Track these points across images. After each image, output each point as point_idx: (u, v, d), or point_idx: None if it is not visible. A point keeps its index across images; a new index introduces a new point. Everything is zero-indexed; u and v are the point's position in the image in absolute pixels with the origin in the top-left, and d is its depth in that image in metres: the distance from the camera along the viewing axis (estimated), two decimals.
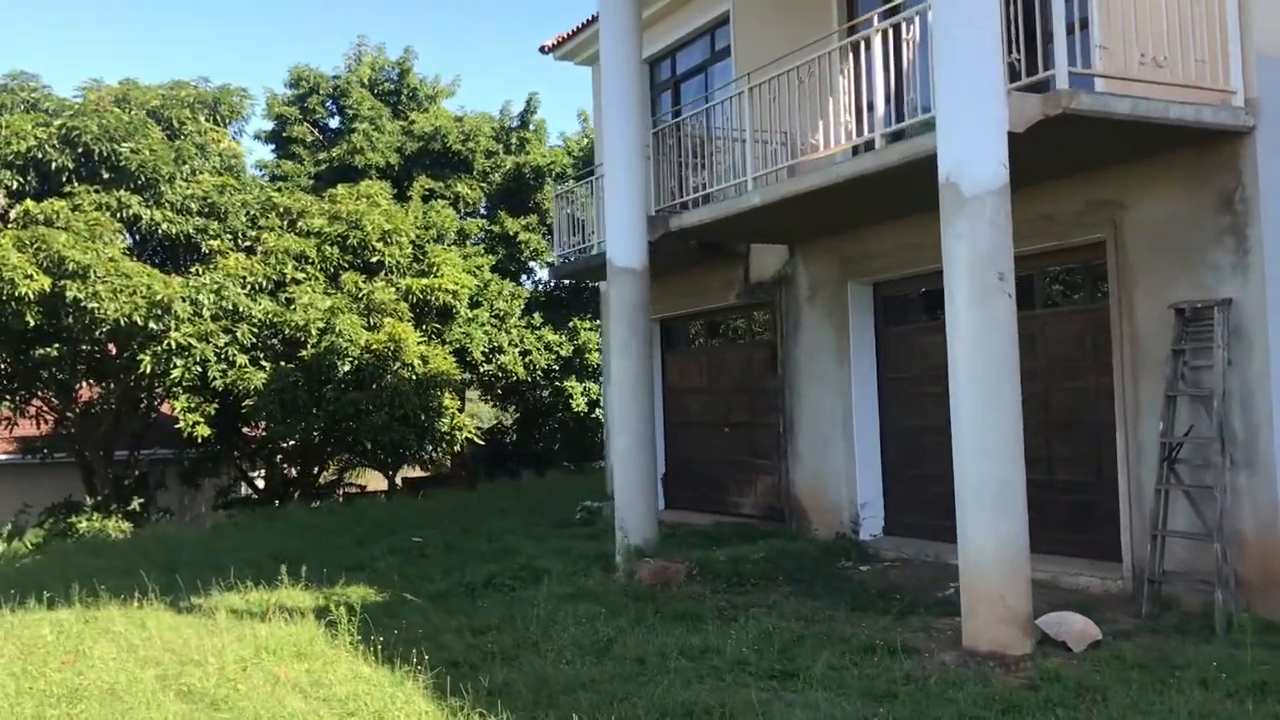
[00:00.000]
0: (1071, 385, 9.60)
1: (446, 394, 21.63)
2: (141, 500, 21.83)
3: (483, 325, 23.07)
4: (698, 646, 7.70)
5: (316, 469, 24.60)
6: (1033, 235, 9.34)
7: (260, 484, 24.86)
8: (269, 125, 26.01)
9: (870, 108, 8.88)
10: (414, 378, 20.92)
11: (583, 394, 24.52)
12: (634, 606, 9.36)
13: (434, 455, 22.63)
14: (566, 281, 25.99)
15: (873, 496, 11.53)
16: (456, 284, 21.55)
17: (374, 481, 27.71)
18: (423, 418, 21.06)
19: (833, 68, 9.27)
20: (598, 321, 24.96)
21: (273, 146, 26.00)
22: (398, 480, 26.32)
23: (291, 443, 23.15)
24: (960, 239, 6.92)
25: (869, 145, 9.18)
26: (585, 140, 25.67)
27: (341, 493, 25.75)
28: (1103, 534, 9.22)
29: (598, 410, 24.94)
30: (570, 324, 24.47)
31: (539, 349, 23.85)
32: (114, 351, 19.85)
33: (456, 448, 22.94)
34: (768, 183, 10.11)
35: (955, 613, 8.48)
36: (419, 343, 20.99)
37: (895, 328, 11.58)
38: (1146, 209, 8.47)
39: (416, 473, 28.90)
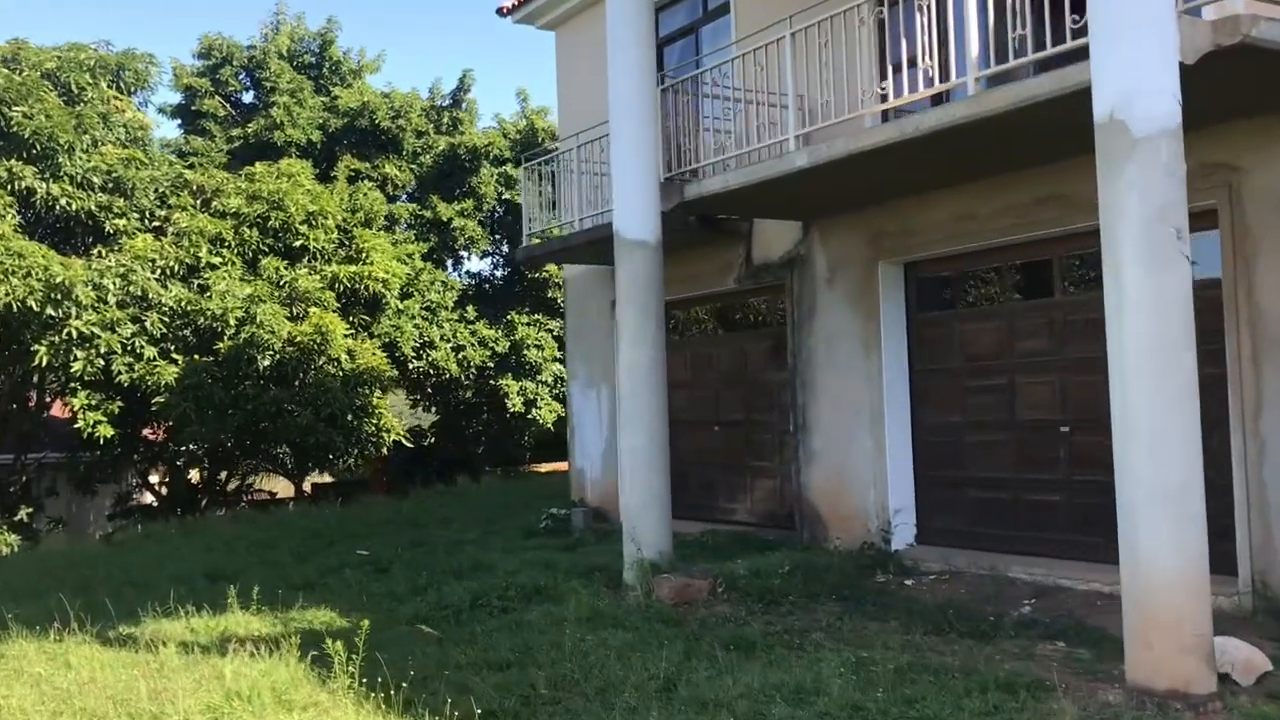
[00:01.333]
0: None
1: (375, 392, 19.86)
2: (29, 510, 19.52)
3: (413, 318, 21.32)
4: (788, 685, 6.32)
5: (225, 474, 22.51)
6: None
7: (162, 490, 22.65)
8: (176, 99, 23.81)
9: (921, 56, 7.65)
10: (340, 374, 19.11)
11: (519, 394, 22.91)
12: (668, 632, 7.99)
13: (359, 459, 20.78)
14: (501, 273, 24.45)
15: (905, 502, 10.31)
16: (387, 272, 19.80)
17: (279, 488, 25.62)
18: (350, 418, 19.24)
19: (907, 3, 7.99)
20: (537, 316, 23.43)
21: (179, 121, 23.80)
22: (305, 487, 24.36)
23: (195, 446, 21.11)
24: (1131, 188, 5.69)
25: (936, 100, 7.98)
26: (525, 122, 24.08)
27: (248, 500, 23.68)
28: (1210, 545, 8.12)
29: (534, 411, 23.39)
30: (507, 318, 22.84)
31: (473, 345, 22.18)
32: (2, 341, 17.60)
33: (383, 451, 21.13)
34: (806, 141, 8.81)
35: (1051, 636, 7.44)
36: (346, 335, 19.17)
37: (929, 313, 10.38)
38: (1272, 170, 7.40)
39: (325, 479, 26.89)
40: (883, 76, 8.21)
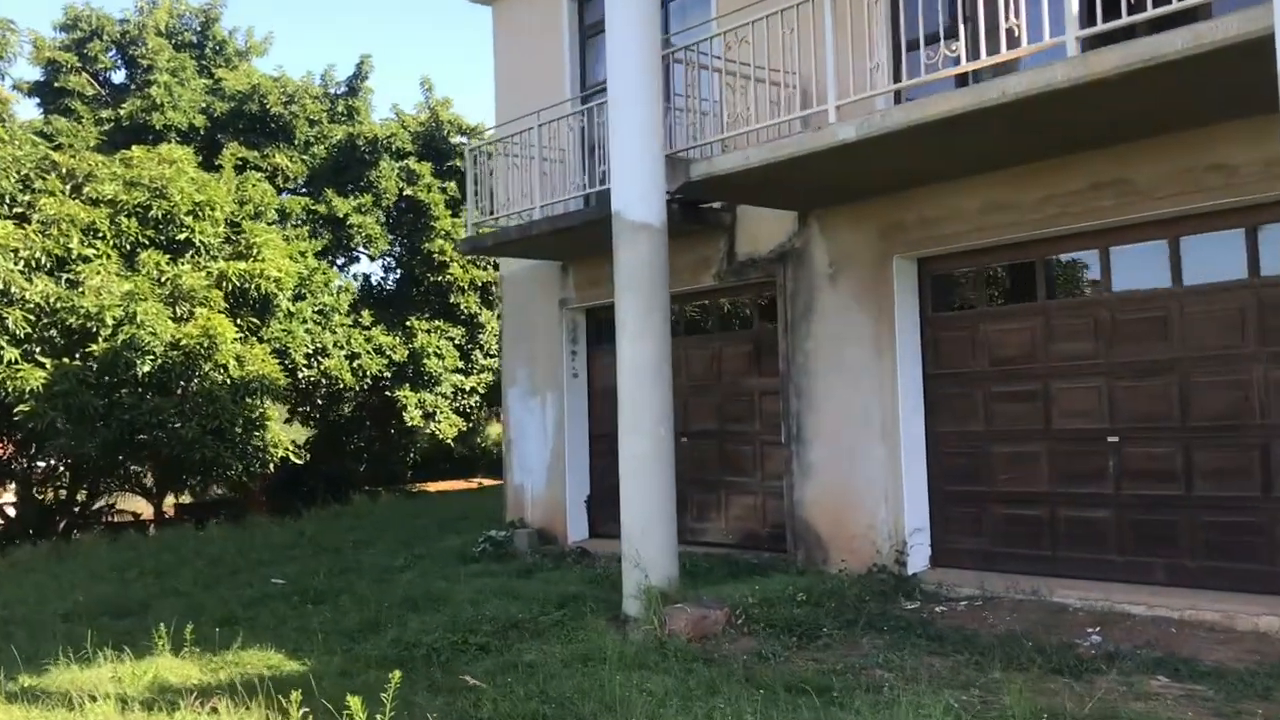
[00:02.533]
0: (1223, 378, 7.78)
1: (265, 403, 18.04)
2: None
3: (304, 322, 19.53)
4: None
5: (86, 492, 20.22)
6: (1197, 189, 7.52)
7: (11, 512, 20.21)
8: (35, 74, 21.40)
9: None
10: (229, 381, 17.25)
11: (418, 406, 21.29)
12: (708, 672, 6.90)
13: (243, 476, 18.86)
14: (395, 275, 22.84)
15: (920, 520, 9.38)
16: (281, 271, 18.02)
17: (138, 508, 23.23)
18: (239, 431, 17.40)
19: None
20: (437, 323, 21.88)
21: (38, 100, 21.35)
22: (165, 507, 22.15)
23: (56, 461, 18.88)
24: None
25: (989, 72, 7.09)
26: (429, 113, 22.50)
27: (107, 522, 21.37)
28: (1276, 562, 7.44)
29: (433, 425, 21.82)
30: (406, 324, 21.21)
31: (369, 353, 20.48)
32: None
33: (269, 468, 19.25)
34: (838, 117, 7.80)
35: (1147, 669, 6.55)
36: (234, 340, 17.33)
37: (945, 313, 9.52)
38: None
39: (186, 499, 24.58)
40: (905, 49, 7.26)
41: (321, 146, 21.33)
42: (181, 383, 16.75)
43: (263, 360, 17.82)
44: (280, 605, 10.08)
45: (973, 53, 7.05)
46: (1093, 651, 7.05)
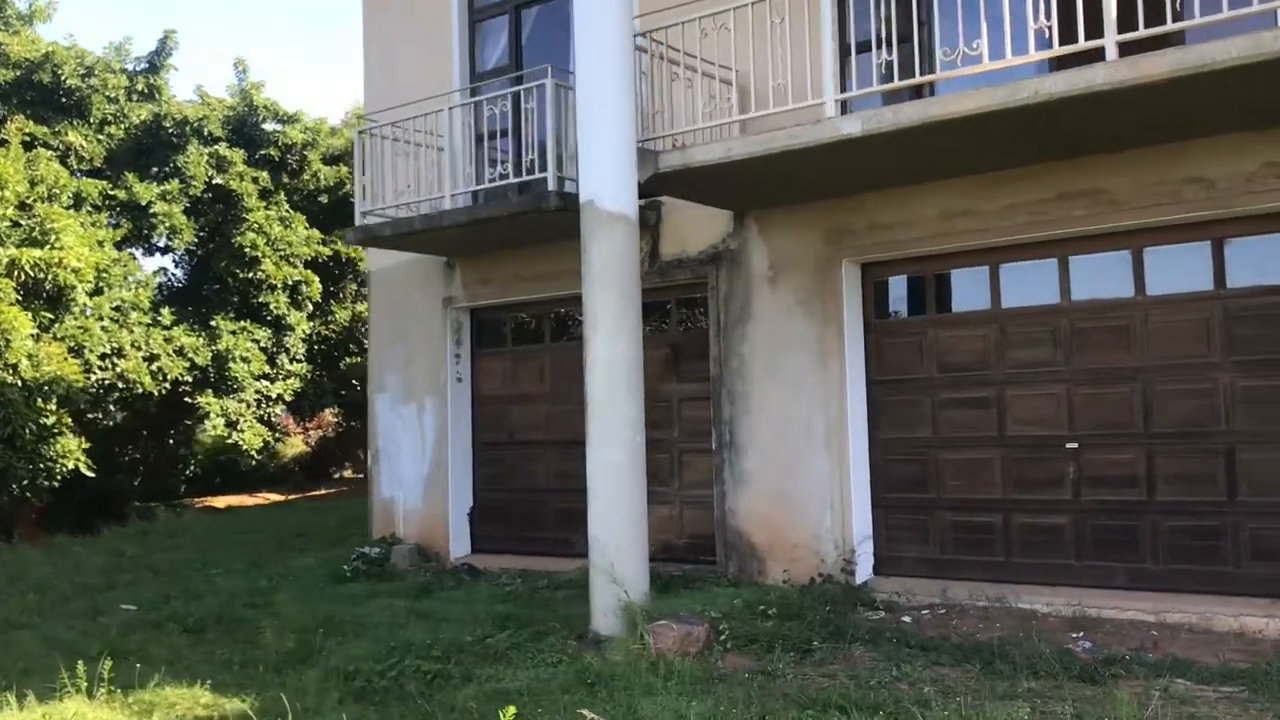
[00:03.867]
0: (1187, 386, 8.03)
1: (55, 407, 16.04)
2: None
3: (101, 319, 17.54)
4: None
5: None
6: (1173, 201, 7.73)
7: None
8: None
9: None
10: (19, 383, 15.22)
11: (220, 414, 19.52)
12: (728, 693, 6.47)
13: (27, 492, 16.68)
14: (200, 270, 20.95)
15: (865, 529, 9.24)
16: (81, 261, 16.10)
17: None
18: (30, 438, 15.38)
19: None
20: (243, 323, 20.19)
21: None
22: None
23: None
24: None
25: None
26: (241, 96, 20.74)
27: None
28: (1242, 564, 7.72)
29: (237, 435, 20.09)
30: (211, 324, 19.42)
31: (170, 354, 18.60)
32: None
33: (55, 481, 17.11)
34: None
35: (1157, 673, 6.61)
36: (28, 335, 15.35)
37: (889, 320, 9.46)
38: None
39: None
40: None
41: (119, 127, 19.26)
42: None
43: (62, 361, 15.84)
44: (162, 635, 8.85)
45: (996, 52, 6.92)
46: (1091, 656, 7.06)
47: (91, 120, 18.93)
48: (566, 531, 11.37)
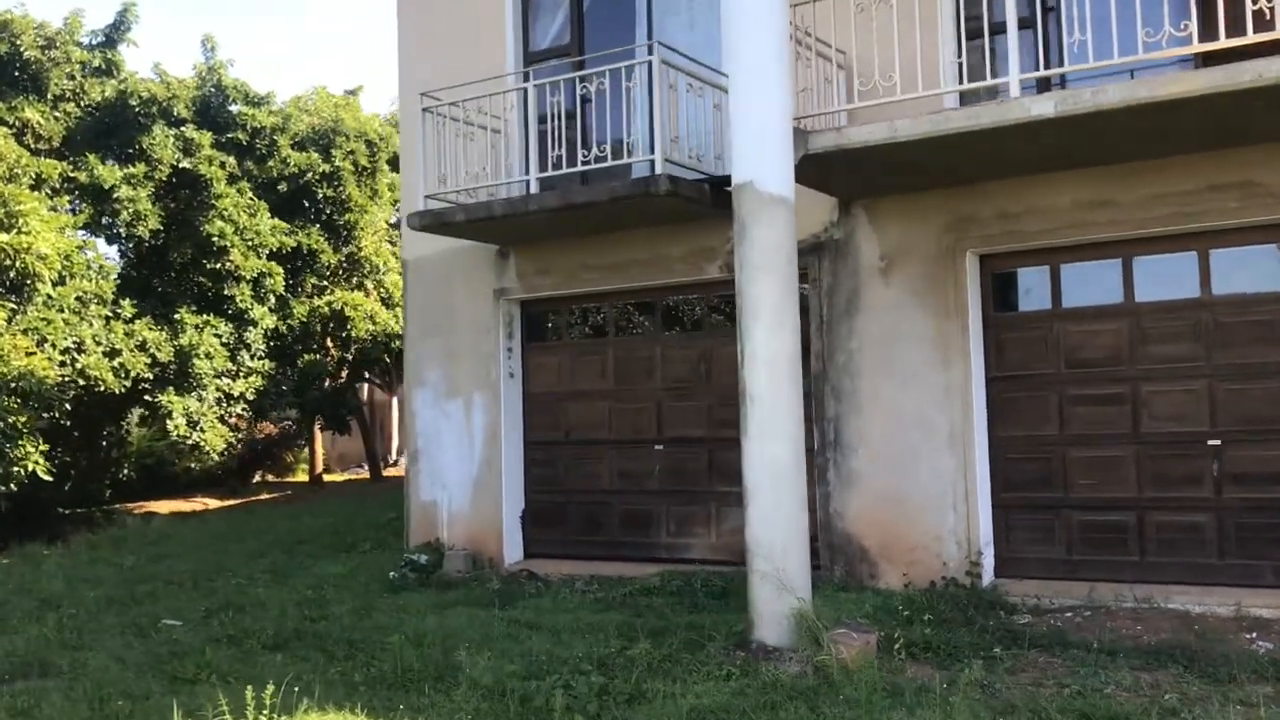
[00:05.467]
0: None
1: (28, 407, 14.80)
2: None
3: (62, 311, 16.23)
4: None
5: None
6: None
7: None
8: None
9: None
10: None
11: (184, 414, 18.28)
12: (957, 708, 5.97)
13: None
14: (163, 258, 19.62)
15: (989, 530, 8.94)
16: (50, 247, 14.87)
17: None
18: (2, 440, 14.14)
19: None
20: (207, 317, 18.98)
21: None
22: None
23: None
24: None
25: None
26: (210, 75, 19.44)
27: None
28: None
29: (198, 435, 18.85)
30: (174, 317, 18.16)
31: (130, 349, 17.33)
32: None
33: (12, 486, 15.79)
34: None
35: None
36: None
37: (1012, 313, 9.16)
38: None
39: None
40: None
41: (75, 104, 17.88)
42: None
43: (35, 356, 14.60)
44: (247, 654, 8.03)
45: (1206, 34, 6.67)
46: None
47: (48, 97, 17.53)
48: (634, 535, 10.85)
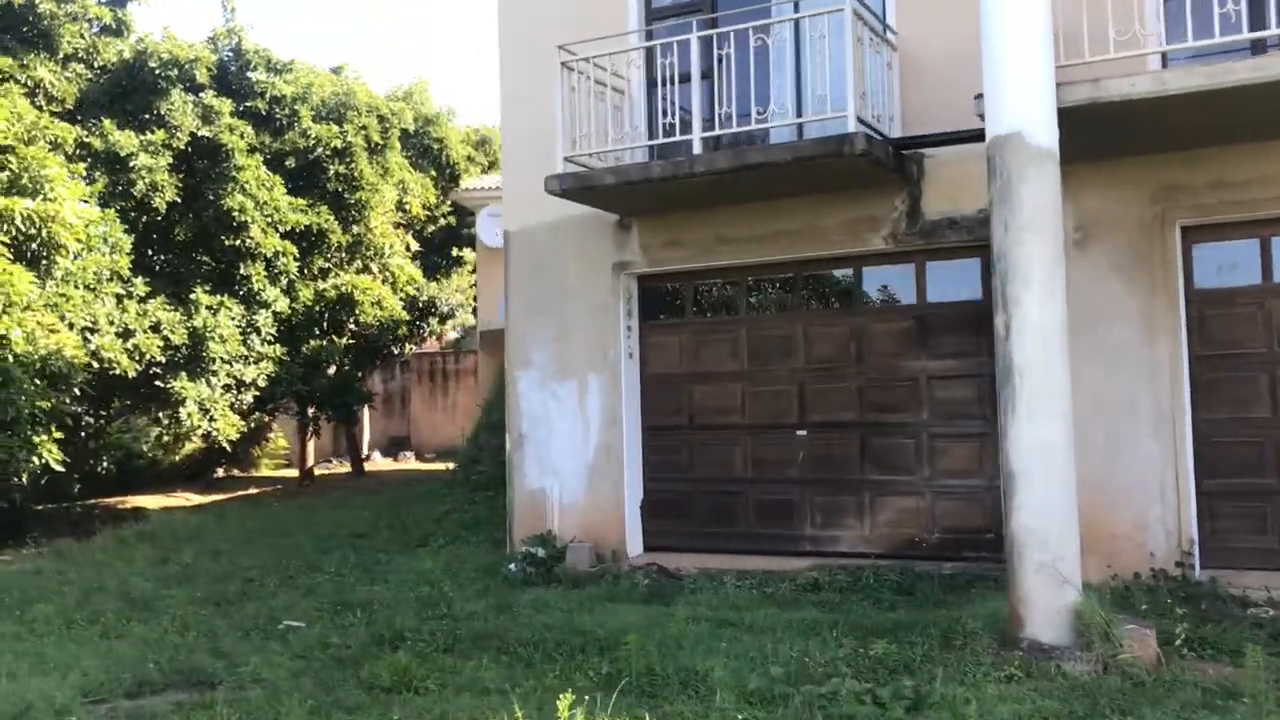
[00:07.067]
0: None
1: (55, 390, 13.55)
2: None
3: (78, 287, 14.93)
4: None
5: None
6: None
7: None
8: None
9: None
10: (11, 358, 12.72)
11: (197, 401, 17.02)
12: None
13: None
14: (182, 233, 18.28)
15: (1193, 518, 8.40)
16: (80, 216, 13.65)
17: None
18: (28, 426, 12.90)
19: None
20: (219, 298, 17.73)
21: None
22: None
23: None
24: None
25: None
26: (231, 39, 18.16)
27: None
28: None
29: (209, 424, 17.62)
30: (189, 297, 16.90)
31: (144, 330, 16.07)
32: None
33: (23, 478, 14.44)
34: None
35: None
36: (32, 301, 12.89)
37: (1217, 288, 8.59)
38: None
39: None
40: None
41: (85, 65, 16.53)
42: None
43: (53, 333, 13.36)
44: (417, 657, 7.11)
45: None
46: None
47: (59, 55, 16.17)
48: (773, 526, 10.14)
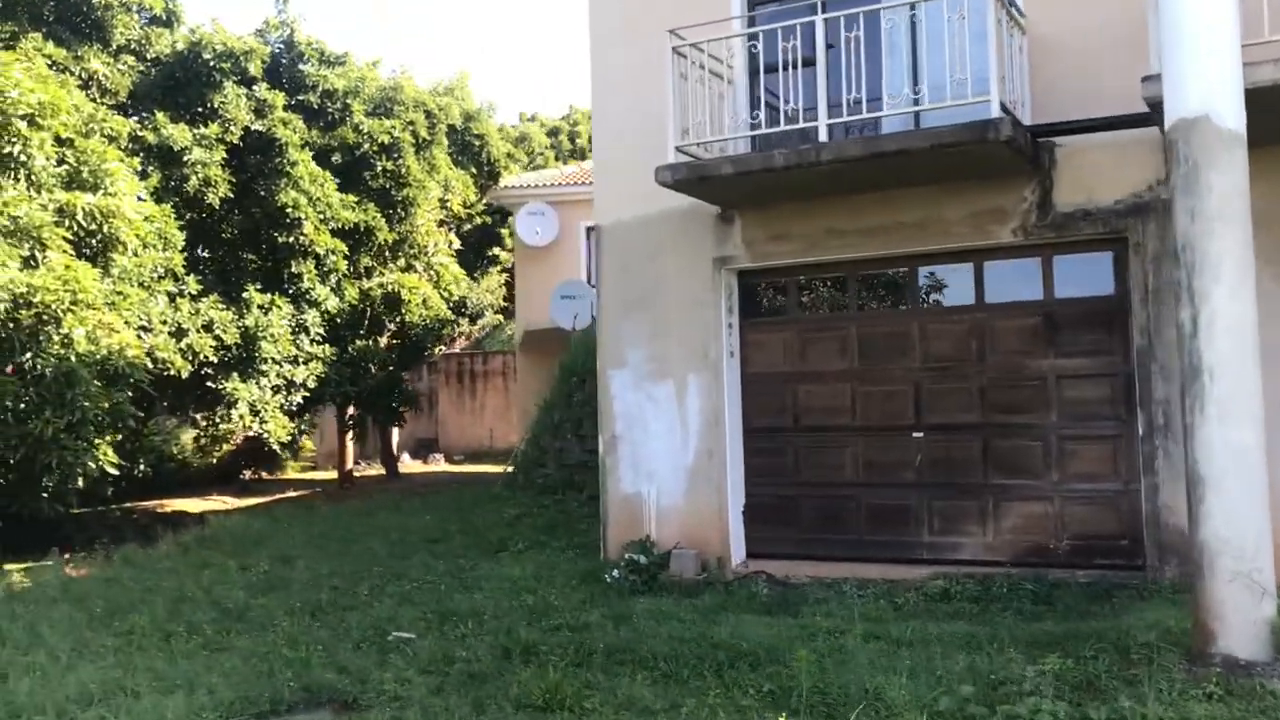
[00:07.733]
0: None
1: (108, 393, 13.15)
2: None
3: (133, 285, 14.53)
4: None
5: None
6: None
7: None
8: None
9: None
10: (75, 357, 12.33)
11: (249, 403, 16.63)
12: None
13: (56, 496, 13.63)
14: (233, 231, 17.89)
15: None
16: (141, 213, 13.26)
17: None
18: (93, 428, 12.52)
19: None
20: (270, 296, 17.34)
21: None
22: None
23: None
24: None
25: None
26: (285, 30, 17.77)
27: None
28: None
29: (260, 425, 17.23)
30: (242, 296, 16.51)
31: (198, 330, 15.68)
32: None
33: (79, 483, 14.04)
34: None
35: None
36: (95, 299, 12.49)
37: None
38: None
39: None
40: None
41: (136, 56, 16.15)
42: (18, 355, 11.65)
43: (114, 333, 12.98)
44: (551, 671, 6.70)
45: None
46: None
47: (112, 47, 15.78)
48: (886, 533, 9.71)
